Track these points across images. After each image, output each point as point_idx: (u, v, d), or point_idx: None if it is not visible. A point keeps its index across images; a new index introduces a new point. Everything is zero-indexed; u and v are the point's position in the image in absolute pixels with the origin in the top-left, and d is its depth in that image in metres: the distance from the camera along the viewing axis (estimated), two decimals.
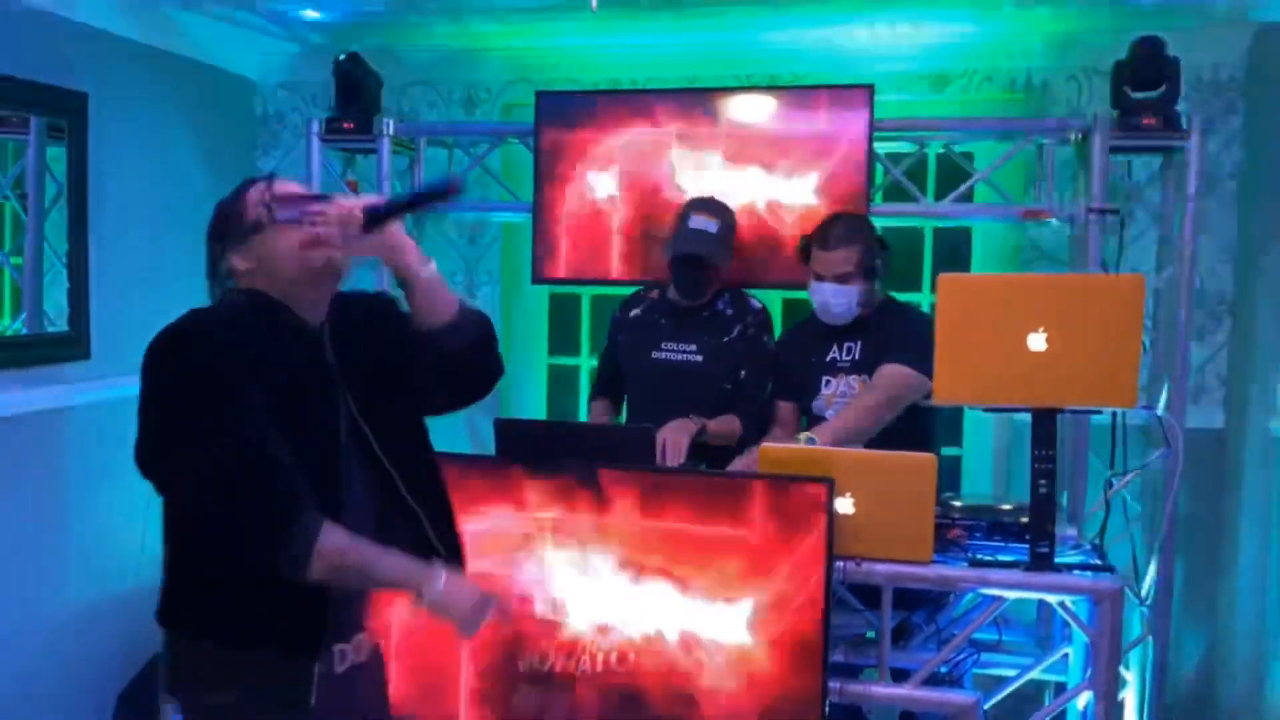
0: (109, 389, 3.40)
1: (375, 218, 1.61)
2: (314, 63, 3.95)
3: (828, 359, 2.86)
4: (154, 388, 1.60)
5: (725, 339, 2.97)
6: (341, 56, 3.59)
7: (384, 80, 3.71)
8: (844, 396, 2.83)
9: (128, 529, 3.51)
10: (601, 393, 3.20)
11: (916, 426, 2.70)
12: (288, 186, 1.68)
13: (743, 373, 2.97)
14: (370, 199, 1.64)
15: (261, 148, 4.20)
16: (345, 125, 3.58)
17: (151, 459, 1.62)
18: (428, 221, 3.91)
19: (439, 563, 1.66)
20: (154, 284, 3.63)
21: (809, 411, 2.92)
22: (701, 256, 2.91)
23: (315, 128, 3.61)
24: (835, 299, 2.77)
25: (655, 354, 2.97)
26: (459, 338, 1.71)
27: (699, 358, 2.95)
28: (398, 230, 1.66)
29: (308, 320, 1.69)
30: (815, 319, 2.93)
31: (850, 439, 2.57)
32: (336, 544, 1.55)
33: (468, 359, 1.75)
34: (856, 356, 2.83)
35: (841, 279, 2.75)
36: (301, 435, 1.60)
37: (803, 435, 2.62)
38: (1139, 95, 3.07)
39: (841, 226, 2.81)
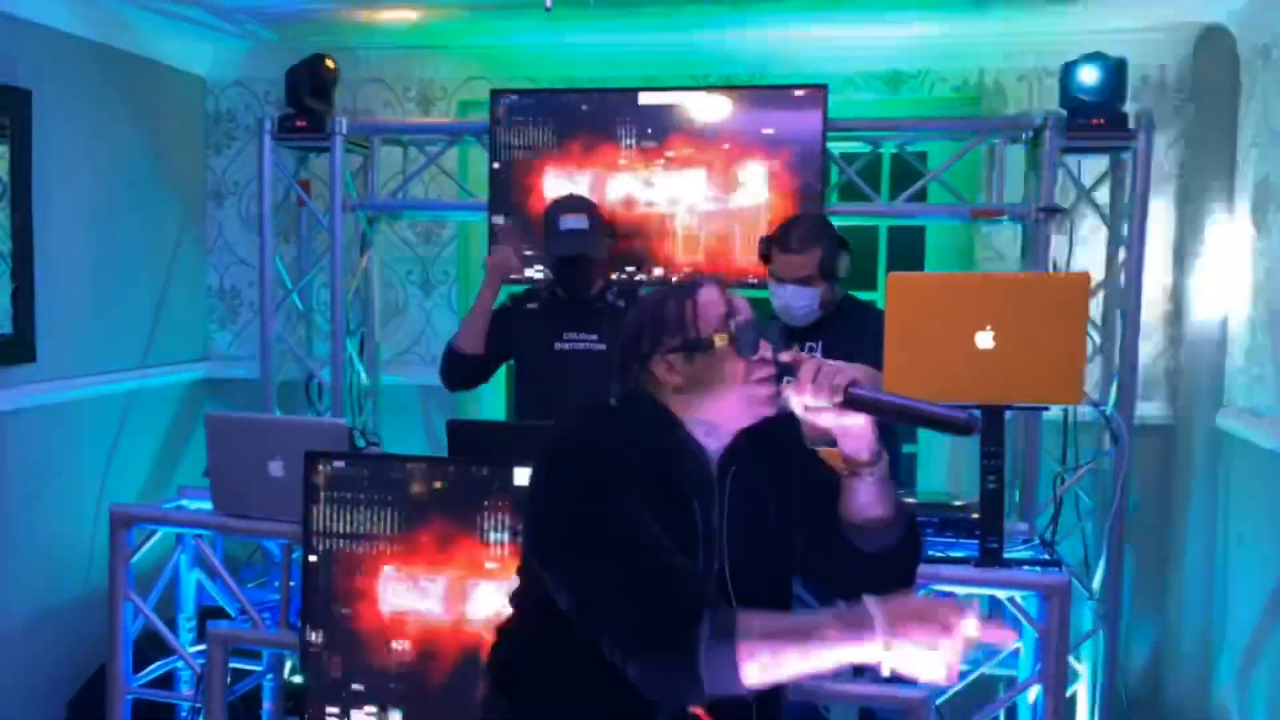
0: (55, 392, 3.35)
1: (858, 400, 1.41)
2: (266, 60, 3.90)
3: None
4: (546, 498, 1.48)
5: None
6: (294, 54, 3.56)
7: (338, 78, 3.68)
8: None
9: (76, 535, 3.46)
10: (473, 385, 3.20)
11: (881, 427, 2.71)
12: (744, 309, 1.53)
13: None
14: (858, 373, 1.44)
15: (213, 146, 4.14)
16: (298, 123, 3.54)
17: (550, 554, 1.47)
18: (381, 221, 3.88)
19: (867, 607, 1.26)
20: (101, 286, 3.58)
21: None
22: (582, 254, 2.93)
23: (268, 126, 3.57)
24: (796, 301, 2.77)
25: (558, 344, 2.98)
26: (881, 541, 1.51)
27: (602, 346, 2.96)
28: (865, 417, 1.45)
29: (710, 459, 1.53)
30: (770, 317, 2.94)
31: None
32: (760, 626, 1.27)
33: (879, 566, 1.51)
34: (818, 355, 2.84)
35: (803, 281, 2.75)
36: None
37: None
38: (1088, 97, 3.12)
39: (803, 228, 2.80)
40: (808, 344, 2.85)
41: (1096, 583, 3.23)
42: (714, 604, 1.32)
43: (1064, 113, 3.15)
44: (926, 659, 1.20)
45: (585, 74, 3.75)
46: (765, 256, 2.84)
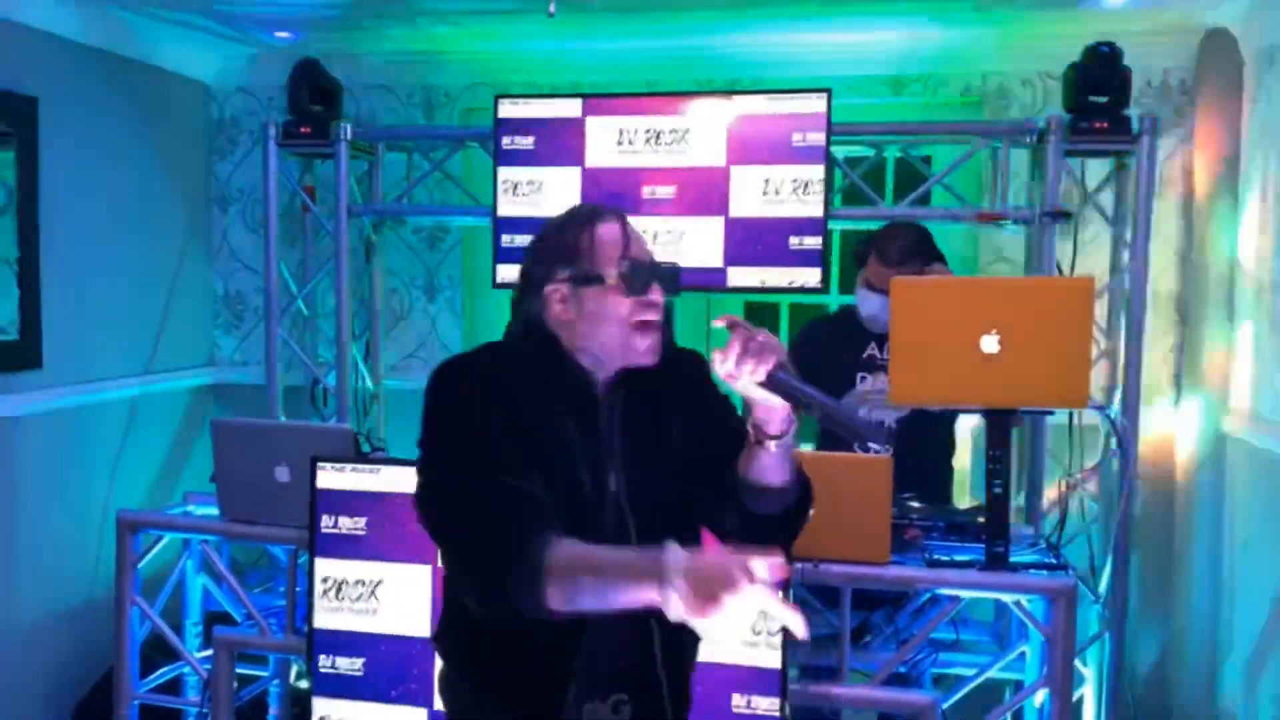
0: (61, 399, 3.36)
1: (776, 385, 1.43)
2: (271, 66, 3.91)
3: (864, 355, 2.87)
4: (425, 412, 1.53)
5: None
6: (298, 60, 3.58)
7: (342, 84, 3.69)
8: (881, 394, 2.84)
9: (82, 540, 3.46)
10: None
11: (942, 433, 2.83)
12: (641, 247, 1.55)
13: None
14: (784, 356, 1.44)
15: (218, 152, 4.15)
16: (303, 129, 3.56)
17: (418, 483, 1.54)
18: (386, 226, 3.89)
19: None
20: (107, 292, 3.59)
21: None
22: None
23: (272, 132, 3.58)
24: (885, 314, 2.75)
25: None
26: (771, 505, 1.54)
27: None
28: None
29: (593, 381, 1.56)
30: (846, 316, 2.97)
31: None
32: (567, 554, 1.35)
33: (764, 527, 1.54)
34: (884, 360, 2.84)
35: None
36: (554, 493, 1.47)
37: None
38: (1092, 99, 3.12)
39: (905, 242, 2.80)
40: (887, 344, 2.85)
41: (1103, 586, 3.22)
42: (545, 529, 1.37)
43: (1067, 116, 3.15)
44: (711, 613, 1.22)
45: (588, 79, 3.76)
46: (860, 259, 2.84)
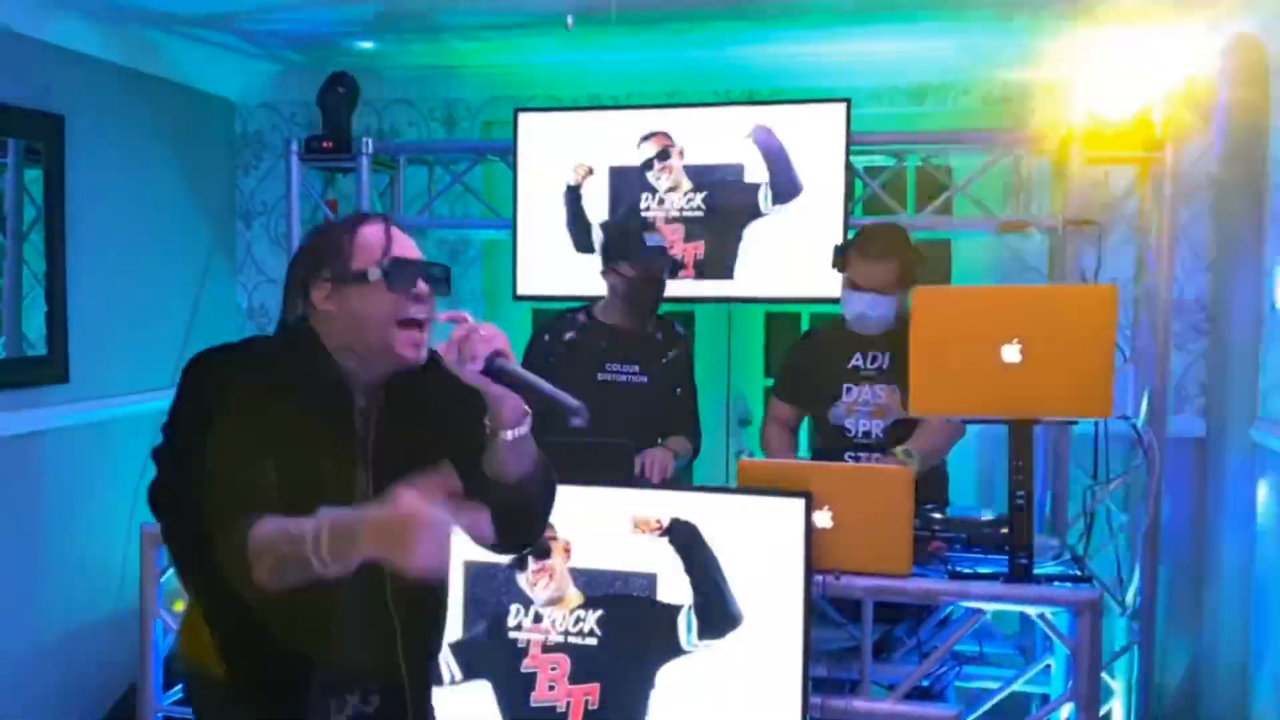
0: (88, 412, 3.39)
1: (493, 371, 1.49)
2: (293, 82, 3.95)
3: (850, 365, 2.87)
4: (173, 399, 1.56)
5: (663, 359, 3.00)
6: (321, 76, 3.61)
7: (363, 99, 3.72)
8: (866, 404, 2.85)
9: (107, 553, 3.49)
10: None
11: None
12: (405, 247, 1.56)
13: (678, 390, 3.02)
14: (503, 344, 1.50)
15: (242, 168, 4.19)
16: (325, 144, 3.58)
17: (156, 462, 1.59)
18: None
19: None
20: (133, 307, 3.62)
21: (823, 416, 2.93)
22: (662, 274, 2.92)
23: (295, 147, 3.61)
24: (872, 310, 2.76)
25: (600, 375, 2.95)
26: (516, 496, 1.58)
27: (644, 378, 2.95)
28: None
29: (351, 383, 1.58)
30: (835, 325, 2.96)
31: (935, 456, 2.73)
32: (268, 531, 1.39)
33: (503, 521, 1.53)
34: (884, 365, 2.84)
35: (881, 289, 2.74)
36: (302, 502, 1.46)
37: (899, 450, 2.64)
38: (1115, 106, 3.09)
39: (884, 237, 2.82)
40: (872, 353, 2.85)
41: (1130, 598, 3.18)
42: (253, 513, 1.40)
43: (1090, 124, 3.12)
44: (404, 550, 1.28)
45: (608, 91, 3.77)
46: (840, 264, 2.84)
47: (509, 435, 1.54)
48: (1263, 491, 3.14)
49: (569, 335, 3.03)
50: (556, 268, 3.41)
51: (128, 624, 3.05)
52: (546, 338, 3.05)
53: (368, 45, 3.68)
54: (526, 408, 1.55)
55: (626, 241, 2.96)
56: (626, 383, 2.94)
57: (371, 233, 1.56)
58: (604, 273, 2.95)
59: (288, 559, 1.37)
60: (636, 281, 2.90)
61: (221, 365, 1.55)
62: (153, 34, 3.52)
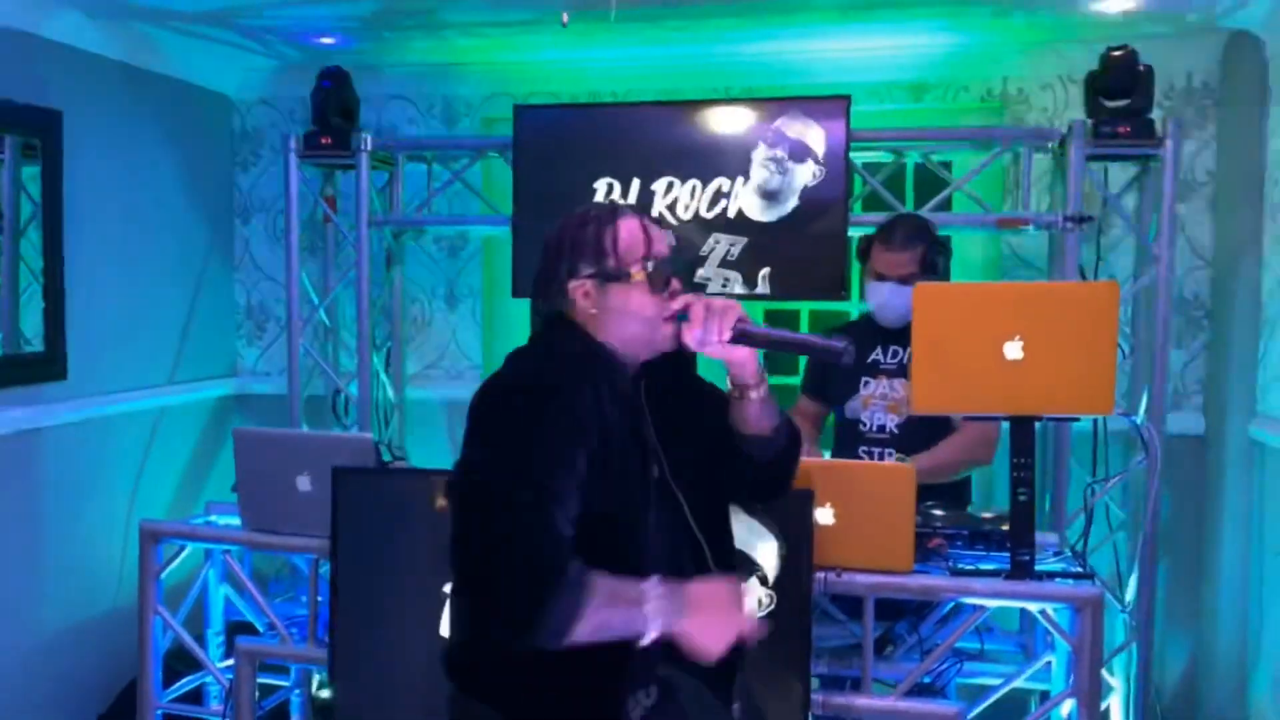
0: (86, 409, 3.38)
1: (745, 335, 1.57)
2: (292, 78, 3.94)
3: (869, 360, 2.86)
4: (471, 436, 1.53)
5: None
6: (322, 71, 3.60)
7: (362, 95, 3.71)
8: (883, 398, 2.86)
9: (106, 550, 3.49)
10: None
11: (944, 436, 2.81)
12: (661, 242, 1.61)
13: None
14: (741, 310, 1.58)
15: (240, 164, 4.18)
16: (323, 140, 3.58)
17: (457, 505, 1.54)
18: (406, 236, 3.91)
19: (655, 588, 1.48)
20: (131, 304, 3.62)
21: (841, 410, 2.93)
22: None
23: (293, 144, 3.60)
24: (895, 299, 2.77)
25: None
26: (768, 449, 1.69)
27: None
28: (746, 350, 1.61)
29: (627, 368, 1.62)
30: (862, 320, 2.98)
31: (939, 475, 2.72)
32: (597, 592, 1.44)
33: (769, 470, 1.74)
34: (904, 360, 2.84)
35: (904, 279, 2.74)
36: (613, 495, 1.53)
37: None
38: (1113, 104, 3.09)
39: (907, 226, 2.84)
40: (893, 346, 2.86)
41: (1129, 595, 3.18)
42: (565, 567, 1.43)
43: (1089, 120, 3.13)
44: (713, 640, 1.49)
45: (608, 88, 3.76)
46: (864, 255, 2.85)
47: (755, 395, 1.63)
48: (1261, 488, 3.15)
49: None
50: None
51: (127, 620, 3.06)
52: None
53: (367, 42, 3.67)
54: (763, 369, 1.64)
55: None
56: None
57: (632, 229, 1.60)
58: None
59: (611, 627, 1.45)
60: None
61: (526, 397, 1.52)
62: (151, 30, 3.51)
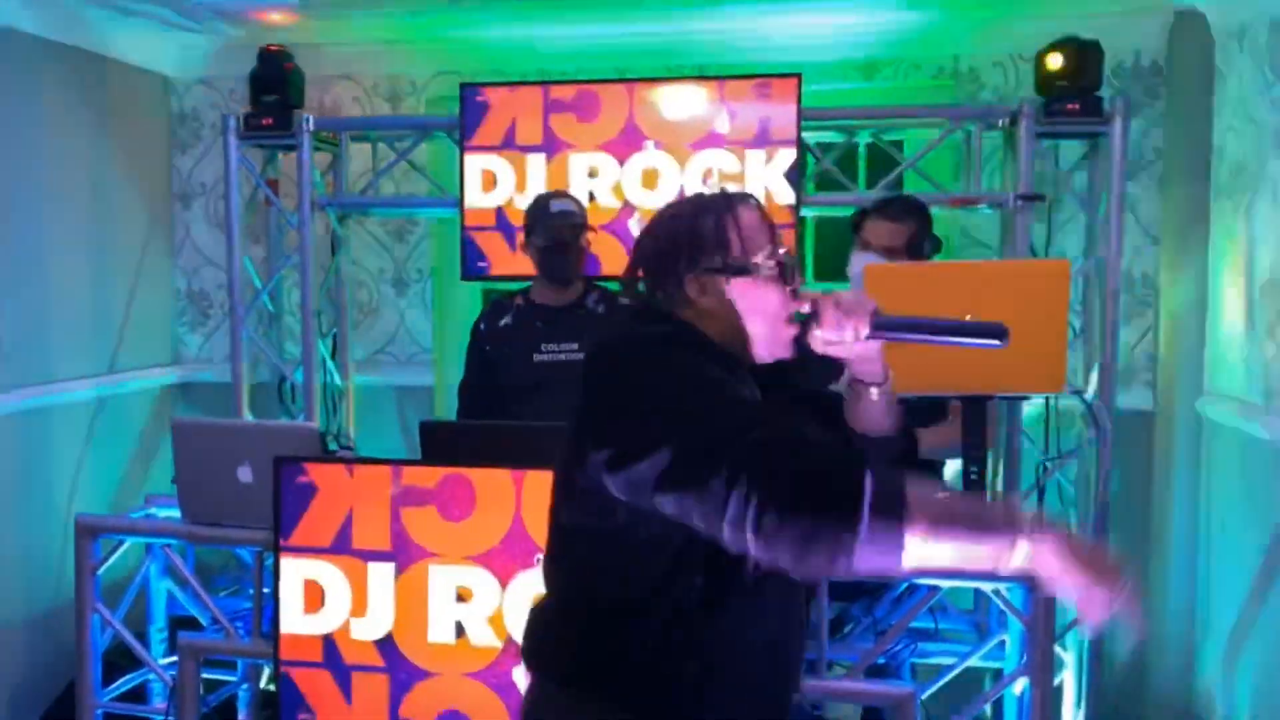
0: (21, 400, 3.28)
1: (886, 326, 1.41)
2: (231, 58, 3.83)
3: None
4: (619, 389, 1.34)
5: None
6: (260, 51, 3.50)
7: (305, 75, 3.61)
8: None
9: (44, 546, 3.39)
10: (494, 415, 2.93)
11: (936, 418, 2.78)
12: (780, 234, 1.48)
13: None
14: (871, 302, 1.41)
15: (179, 146, 4.07)
16: (264, 121, 3.48)
17: (651, 438, 1.26)
18: (352, 219, 3.82)
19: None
20: (67, 291, 3.50)
21: None
22: (573, 237, 2.81)
23: (233, 124, 3.50)
24: None
25: (537, 356, 2.87)
26: (887, 449, 1.54)
27: (581, 355, 2.88)
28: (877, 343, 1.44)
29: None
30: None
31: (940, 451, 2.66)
32: (920, 494, 1.15)
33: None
34: None
35: (890, 252, 2.67)
36: None
37: None
38: (1063, 81, 3.09)
39: (906, 201, 2.80)
40: None
41: None
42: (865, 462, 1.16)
43: (1039, 98, 3.13)
44: (1095, 590, 1.15)
45: (556, 67, 3.70)
46: (856, 227, 2.79)
47: (876, 394, 1.49)
48: (1208, 464, 3.18)
49: (504, 321, 2.94)
50: (506, 246, 3.35)
51: (69, 617, 2.95)
52: (483, 326, 2.96)
53: (308, 19, 3.57)
54: (888, 365, 1.49)
55: (534, 211, 2.88)
56: (565, 361, 2.86)
57: (751, 219, 1.45)
58: (525, 249, 2.89)
59: (950, 535, 1.13)
60: (547, 251, 2.82)
61: (675, 346, 1.39)
62: (82, 7, 3.39)
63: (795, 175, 3.18)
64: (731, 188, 3.11)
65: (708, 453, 1.20)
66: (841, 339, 1.39)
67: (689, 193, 1.74)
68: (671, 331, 1.44)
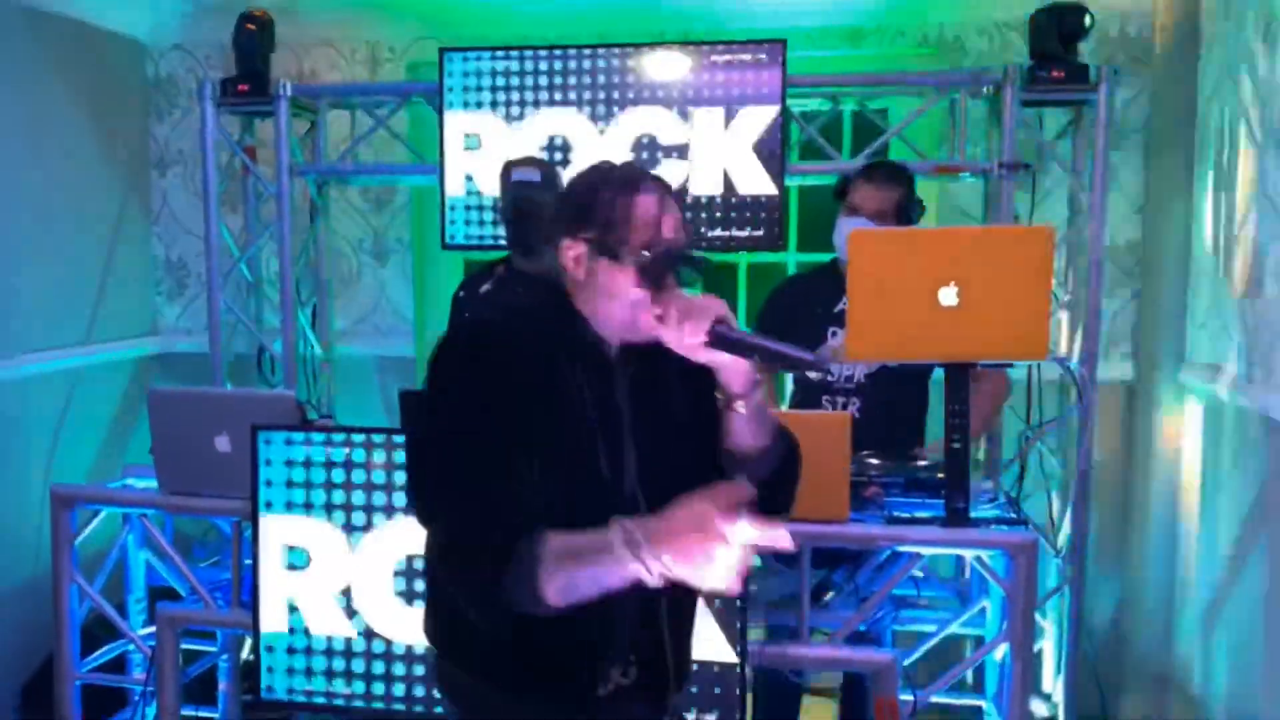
0: None
1: (720, 340, 1.41)
2: (207, 23, 3.77)
3: (836, 309, 2.74)
4: (427, 391, 1.45)
5: None
6: (236, 16, 3.43)
7: (282, 41, 3.55)
8: None
9: (22, 518, 3.35)
10: None
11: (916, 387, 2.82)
12: (672, 228, 1.47)
13: None
14: (723, 310, 1.42)
15: (155, 113, 4.00)
16: (241, 87, 3.43)
17: (412, 461, 1.50)
18: (331, 187, 3.77)
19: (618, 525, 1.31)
20: (42, 261, 3.45)
21: None
22: (532, 206, 2.75)
23: (209, 90, 3.45)
24: None
25: None
26: (762, 467, 1.53)
27: None
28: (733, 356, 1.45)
29: (607, 345, 1.50)
30: (819, 271, 2.91)
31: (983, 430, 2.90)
32: (554, 549, 1.33)
33: (762, 491, 1.49)
34: None
35: (877, 216, 2.67)
36: (563, 483, 1.43)
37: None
38: (1049, 48, 3.07)
39: (891, 166, 2.79)
40: None
41: (1062, 540, 3.22)
42: (532, 530, 1.34)
43: (1024, 65, 3.10)
44: (706, 569, 1.24)
45: (539, 32, 3.65)
46: (841, 193, 2.77)
47: (743, 407, 1.47)
48: (1188, 434, 3.19)
49: (485, 288, 2.92)
50: (486, 215, 3.31)
51: (48, 589, 2.93)
52: (463, 294, 2.94)
53: None
54: (757, 375, 1.47)
55: (501, 179, 2.84)
56: None
57: (644, 207, 1.45)
58: (499, 220, 2.87)
59: (579, 580, 1.32)
60: (508, 220, 2.81)
61: (483, 354, 1.43)
62: None
63: (778, 143, 3.15)
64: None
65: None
66: (680, 341, 1.42)
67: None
68: (495, 331, 1.48)
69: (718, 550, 1.23)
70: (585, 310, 1.48)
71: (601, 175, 1.50)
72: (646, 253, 1.44)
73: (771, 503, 1.52)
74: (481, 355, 1.43)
